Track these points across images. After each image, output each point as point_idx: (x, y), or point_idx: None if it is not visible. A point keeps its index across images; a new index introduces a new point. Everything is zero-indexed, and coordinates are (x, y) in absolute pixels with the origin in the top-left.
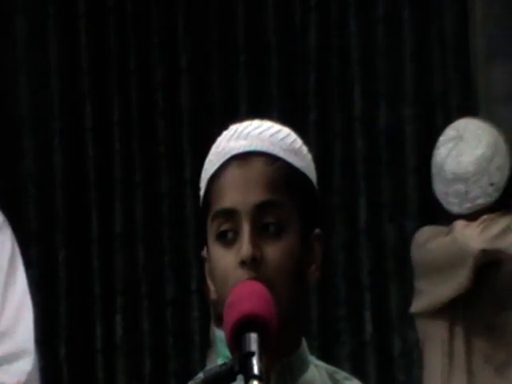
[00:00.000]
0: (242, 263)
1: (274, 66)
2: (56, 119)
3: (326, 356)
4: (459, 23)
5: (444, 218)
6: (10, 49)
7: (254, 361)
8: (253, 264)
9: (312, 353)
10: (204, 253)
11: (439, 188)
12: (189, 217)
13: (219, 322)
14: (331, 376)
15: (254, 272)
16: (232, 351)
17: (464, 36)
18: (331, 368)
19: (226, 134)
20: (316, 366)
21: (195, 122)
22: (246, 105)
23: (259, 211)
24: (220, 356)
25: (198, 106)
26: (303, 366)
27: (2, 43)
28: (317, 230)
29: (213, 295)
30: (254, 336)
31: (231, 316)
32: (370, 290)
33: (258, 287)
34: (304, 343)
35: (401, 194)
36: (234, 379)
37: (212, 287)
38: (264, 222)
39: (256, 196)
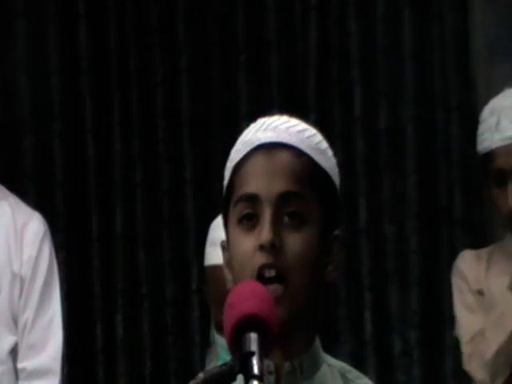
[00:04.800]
0: (261, 247)
1: (274, 65)
2: (56, 119)
3: None
4: (459, 23)
5: None
6: (10, 49)
7: (254, 361)
8: (271, 250)
9: None
10: (223, 243)
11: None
12: (189, 217)
13: (220, 329)
14: (343, 375)
15: (272, 257)
16: (232, 351)
17: (464, 36)
18: (345, 367)
19: (253, 126)
20: (329, 365)
21: (195, 122)
22: (246, 105)
23: (282, 200)
24: (221, 361)
25: (198, 106)
26: (315, 366)
27: (1, 43)
28: (337, 232)
29: (229, 284)
30: (254, 336)
31: (231, 316)
32: (370, 290)
33: (258, 287)
34: (317, 342)
35: (401, 194)
36: (235, 379)
37: (229, 276)
38: (286, 211)
39: (280, 185)
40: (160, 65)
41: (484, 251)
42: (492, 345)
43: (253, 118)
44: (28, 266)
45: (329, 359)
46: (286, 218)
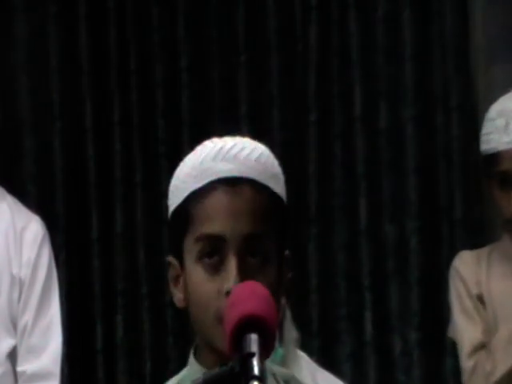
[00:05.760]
0: (228, 294)
1: (274, 66)
2: (56, 119)
3: (326, 356)
4: (459, 23)
5: None
6: (10, 49)
7: (255, 361)
8: None
9: (312, 353)
10: (169, 258)
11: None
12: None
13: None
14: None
15: None
16: (232, 352)
17: (464, 36)
18: (288, 375)
19: (208, 152)
20: (273, 374)
21: (195, 122)
22: (246, 105)
23: (246, 242)
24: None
25: (198, 106)
26: None
27: (1, 43)
28: (286, 252)
29: (179, 303)
30: (254, 337)
31: (232, 317)
32: (371, 291)
33: (258, 288)
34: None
35: (401, 195)
36: (235, 380)
37: (179, 295)
38: (250, 251)
39: (245, 226)
40: (160, 65)
41: (483, 251)
42: (501, 366)
43: (253, 118)
44: (27, 269)
45: (273, 368)
46: (250, 259)
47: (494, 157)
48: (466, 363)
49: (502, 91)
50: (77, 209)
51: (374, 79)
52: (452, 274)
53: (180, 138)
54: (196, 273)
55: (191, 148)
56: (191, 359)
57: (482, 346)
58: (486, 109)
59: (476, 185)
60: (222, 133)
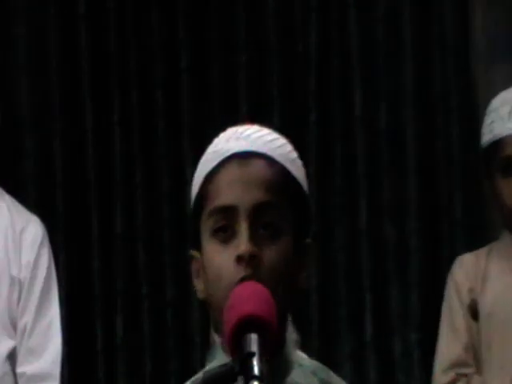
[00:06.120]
0: (239, 259)
1: (274, 66)
2: (56, 119)
3: (326, 356)
4: (460, 23)
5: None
6: (10, 49)
7: (255, 361)
8: (250, 261)
9: (312, 353)
10: (192, 252)
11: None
12: (189, 217)
13: (218, 330)
14: (316, 375)
15: (250, 269)
16: (232, 352)
17: (464, 36)
18: (318, 366)
19: (223, 136)
20: (301, 365)
21: (195, 123)
22: (246, 105)
23: (257, 211)
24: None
25: (198, 106)
26: (286, 368)
27: (1, 43)
28: (309, 240)
29: (200, 294)
30: (254, 337)
31: (232, 317)
32: (371, 291)
33: (258, 288)
34: (289, 344)
35: (401, 195)
36: (235, 380)
37: (200, 286)
38: (261, 222)
39: (256, 195)
40: (160, 65)
41: (482, 251)
42: None
43: (253, 118)
44: (27, 270)
45: (301, 359)
46: (261, 230)
47: (498, 143)
48: (440, 378)
49: (502, 91)
50: (77, 209)
51: (374, 79)
52: (449, 279)
53: (180, 138)
54: (210, 247)
55: (191, 148)
56: (218, 350)
57: (459, 364)
58: (485, 109)
59: (476, 185)
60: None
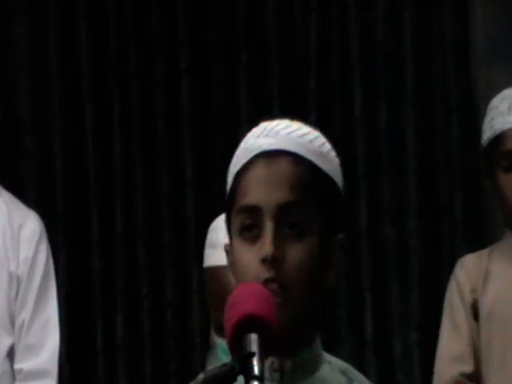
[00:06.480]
0: (263, 261)
1: (274, 66)
2: (56, 119)
3: None
4: (460, 23)
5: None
6: (10, 49)
7: (255, 361)
8: (273, 263)
9: None
10: (227, 246)
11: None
12: (189, 217)
13: (218, 330)
14: (344, 373)
15: (273, 271)
16: (232, 352)
17: (464, 36)
18: (344, 365)
19: (255, 131)
20: (329, 363)
21: (195, 123)
22: (246, 105)
23: (282, 211)
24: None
25: (198, 107)
26: (316, 364)
27: (1, 43)
28: (339, 236)
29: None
30: (254, 337)
31: (232, 317)
32: (371, 291)
33: (258, 288)
34: (318, 341)
35: (401, 195)
36: (235, 380)
37: (232, 279)
38: (286, 221)
39: (280, 195)
40: (160, 65)
41: (484, 251)
42: None
43: (253, 119)
44: (25, 266)
45: (328, 357)
46: (286, 229)
47: (498, 138)
48: (441, 373)
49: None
50: (77, 209)
51: (374, 79)
52: (451, 279)
53: (180, 138)
54: (238, 245)
55: (192, 148)
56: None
57: (460, 360)
58: (485, 109)
59: (476, 185)
60: (221, 133)
